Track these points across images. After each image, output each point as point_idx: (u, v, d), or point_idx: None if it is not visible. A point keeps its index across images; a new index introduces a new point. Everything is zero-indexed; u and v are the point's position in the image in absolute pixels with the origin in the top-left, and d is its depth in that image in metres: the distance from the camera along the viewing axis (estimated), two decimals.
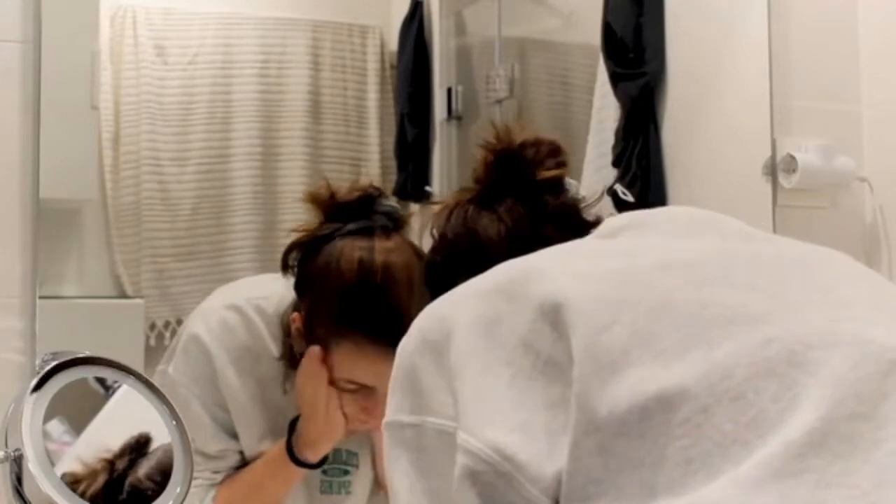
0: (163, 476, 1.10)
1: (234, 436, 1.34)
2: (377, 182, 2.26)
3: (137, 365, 1.34)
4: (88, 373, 1.11)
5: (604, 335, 0.70)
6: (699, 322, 0.71)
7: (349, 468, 1.39)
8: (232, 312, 1.36)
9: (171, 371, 1.36)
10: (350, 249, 1.25)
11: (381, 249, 1.26)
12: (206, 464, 1.33)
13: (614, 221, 0.91)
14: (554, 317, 0.73)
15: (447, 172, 2.26)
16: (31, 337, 1.57)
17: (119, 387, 1.14)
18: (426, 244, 1.95)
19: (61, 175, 1.76)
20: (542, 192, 0.97)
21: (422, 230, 2.25)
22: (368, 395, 1.26)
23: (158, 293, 1.42)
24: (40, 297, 1.59)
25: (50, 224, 1.65)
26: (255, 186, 2.08)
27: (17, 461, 1.00)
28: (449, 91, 2.27)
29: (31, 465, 0.99)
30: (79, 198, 1.93)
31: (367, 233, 1.28)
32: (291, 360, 1.33)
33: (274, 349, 1.35)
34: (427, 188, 2.27)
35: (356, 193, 1.31)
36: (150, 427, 1.14)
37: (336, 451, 1.37)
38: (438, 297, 0.86)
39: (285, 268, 1.32)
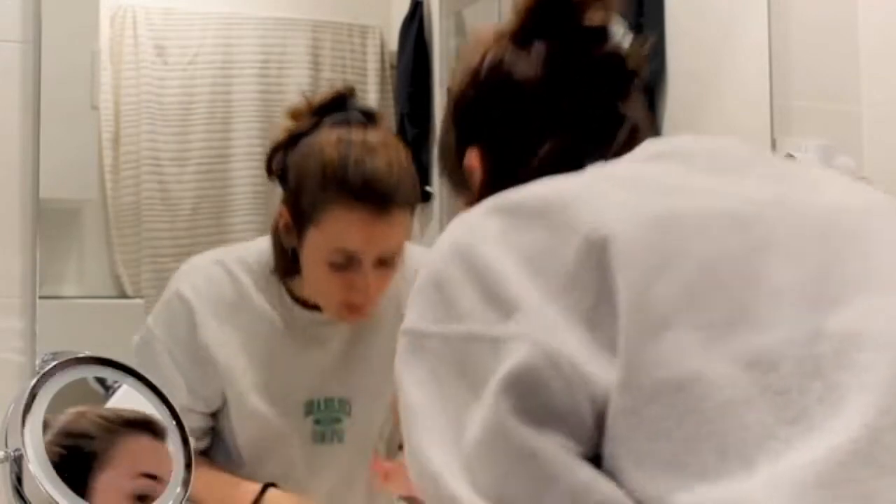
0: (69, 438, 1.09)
1: (202, 397, 1.35)
2: None
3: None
4: (88, 373, 1.11)
5: (652, 290, 0.66)
6: (749, 296, 0.67)
7: (341, 416, 1.39)
8: (216, 267, 1.37)
9: (150, 322, 1.37)
10: (328, 133, 1.29)
11: (359, 131, 1.29)
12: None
13: (656, 145, 0.82)
14: (600, 255, 0.68)
15: None
16: (31, 337, 1.57)
17: (119, 387, 1.14)
18: (428, 243, 1.96)
19: (61, 175, 1.76)
20: (585, 39, 0.87)
21: (422, 230, 2.25)
22: (355, 272, 1.27)
23: (158, 293, 1.42)
24: (40, 297, 1.59)
25: (50, 224, 1.65)
26: (255, 186, 2.08)
27: (17, 461, 1.00)
28: (449, 91, 2.27)
29: (31, 465, 0.99)
30: (79, 198, 1.93)
31: (345, 123, 1.30)
32: (285, 269, 1.35)
33: (260, 301, 1.36)
34: (427, 188, 2.27)
35: (330, 94, 1.34)
36: None
37: (328, 400, 1.38)
38: (462, 143, 0.80)
39: (269, 171, 1.33)
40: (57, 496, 0.99)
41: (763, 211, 0.72)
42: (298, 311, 1.37)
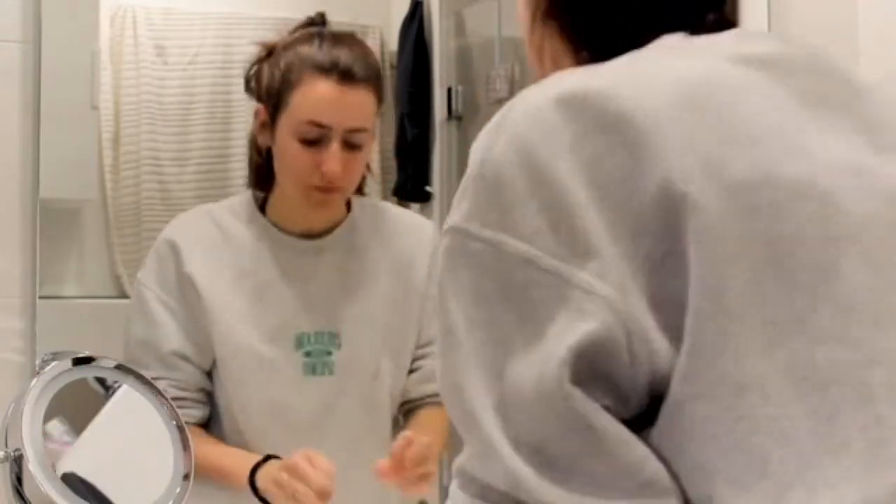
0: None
1: (193, 341, 1.39)
2: (377, 182, 2.26)
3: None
4: (88, 373, 1.11)
5: (726, 273, 0.60)
6: (818, 298, 0.61)
7: (331, 349, 1.42)
8: (201, 214, 1.47)
9: (140, 275, 1.44)
10: (301, 35, 1.42)
11: (331, 34, 1.43)
12: (167, 372, 1.37)
13: (752, 44, 0.73)
14: (677, 215, 0.61)
15: (447, 172, 2.26)
16: (31, 337, 1.57)
17: (119, 387, 1.14)
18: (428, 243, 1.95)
19: (61, 175, 1.76)
20: None
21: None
22: (325, 148, 1.36)
23: None
24: (40, 297, 1.58)
25: (50, 224, 1.65)
26: None
27: (17, 461, 1.00)
28: (449, 91, 2.27)
29: (31, 465, 0.99)
30: (79, 198, 1.93)
31: (318, 34, 1.43)
32: (260, 179, 1.44)
33: (245, 237, 1.43)
34: (427, 188, 2.27)
35: (304, 20, 1.48)
36: (149, 427, 1.14)
37: (318, 334, 1.42)
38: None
39: (248, 88, 1.46)
40: (57, 496, 0.99)
41: (847, 188, 0.65)
42: (284, 239, 1.43)
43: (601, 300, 0.61)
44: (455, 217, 0.67)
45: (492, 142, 0.67)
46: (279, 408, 1.40)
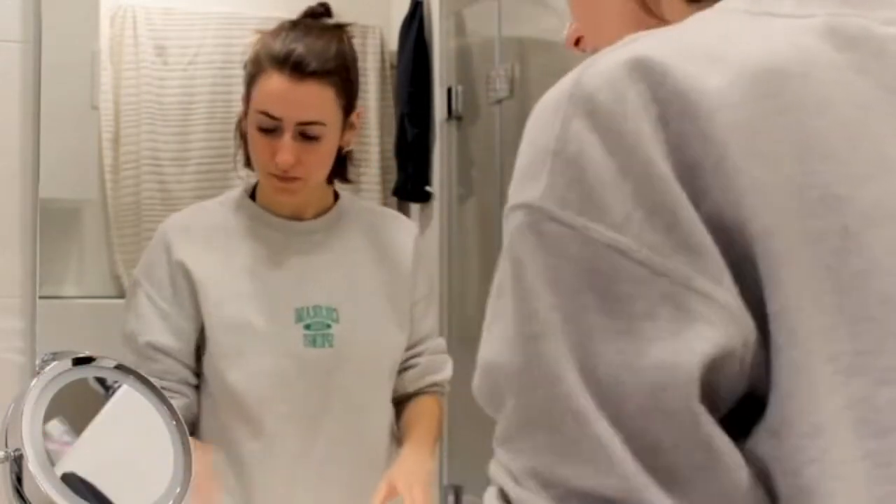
0: None
1: (176, 334, 1.42)
2: (377, 181, 2.27)
3: None
4: (88, 373, 1.11)
5: (795, 304, 0.55)
6: (882, 338, 0.56)
7: (330, 322, 1.46)
8: (194, 209, 1.51)
9: (136, 271, 1.47)
10: (278, 26, 1.45)
11: (309, 19, 1.48)
12: (143, 363, 1.39)
13: (840, 14, 0.63)
14: (750, 247, 0.55)
15: (447, 172, 2.26)
16: (31, 337, 1.57)
17: (119, 387, 1.14)
18: (427, 243, 1.95)
19: (61, 175, 1.76)
20: None
21: (422, 230, 2.25)
22: (279, 138, 1.40)
23: None
24: (40, 297, 1.59)
25: (50, 224, 1.65)
26: None
27: (17, 461, 1.00)
28: (449, 91, 2.27)
29: (31, 465, 0.99)
30: (79, 198, 1.93)
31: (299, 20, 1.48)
32: (248, 161, 1.48)
33: (236, 222, 1.47)
34: (427, 188, 2.27)
35: (306, 11, 1.51)
36: (149, 427, 1.14)
37: (316, 308, 1.46)
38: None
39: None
40: (57, 496, 0.99)
41: None
42: (274, 221, 1.48)
43: (719, 306, 0.54)
44: (528, 194, 0.58)
45: (567, 116, 0.58)
46: (280, 379, 1.43)
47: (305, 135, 1.40)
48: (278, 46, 1.40)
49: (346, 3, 2.30)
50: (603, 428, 0.54)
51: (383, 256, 1.52)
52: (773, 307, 0.55)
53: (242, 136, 1.48)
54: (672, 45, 0.59)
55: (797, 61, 0.59)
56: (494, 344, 0.60)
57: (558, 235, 0.57)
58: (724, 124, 0.56)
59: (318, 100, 1.40)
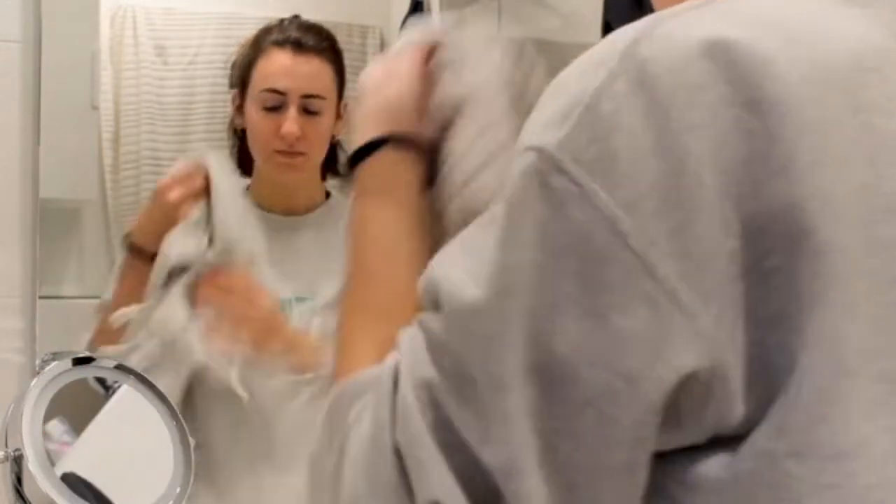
0: None
1: None
2: None
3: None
4: (88, 373, 1.11)
5: (845, 319, 0.51)
6: None
7: (315, 315, 1.50)
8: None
9: None
10: (268, 26, 1.57)
11: (295, 21, 1.56)
12: None
13: None
14: (796, 244, 0.51)
15: None
16: (31, 337, 1.57)
17: (119, 387, 1.14)
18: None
19: (61, 175, 1.76)
20: None
21: None
22: (283, 114, 1.49)
23: None
24: (40, 297, 1.59)
25: (50, 224, 1.65)
26: None
27: (17, 461, 1.00)
28: None
29: (31, 465, 0.99)
30: (79, 198, 1.93)
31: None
32: (241, 160, 1.56)
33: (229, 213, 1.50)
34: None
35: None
36: (149, 427, 1.14)
37: (299, 299, 1.50)
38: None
39: (231, 84, 1.60)
40: (57, 496, 0.99)
41: None
42: (265, 216, 1.54)
43: (696, 330, 0.51)
44: (545, 138, 0.54)
45: (613, 73, 0.53)
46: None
47: (308, 109, 1.50)
48: (277, 32, 1.52)
49: (346, 3, 2.31)
50: (515, 405, 0.52)
51: None
52: (812, 314, 0.50)
53: (235, 135, 1.56)
54: (748, 21, 0.54)
55: (872, 55, 0.55)
56: (457, 273, 0.57)
57: (563, 190, 0.52)
58: (796, 124, 0.51)
59: (319, 73, 1.51)
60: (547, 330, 0.52)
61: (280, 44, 1.51)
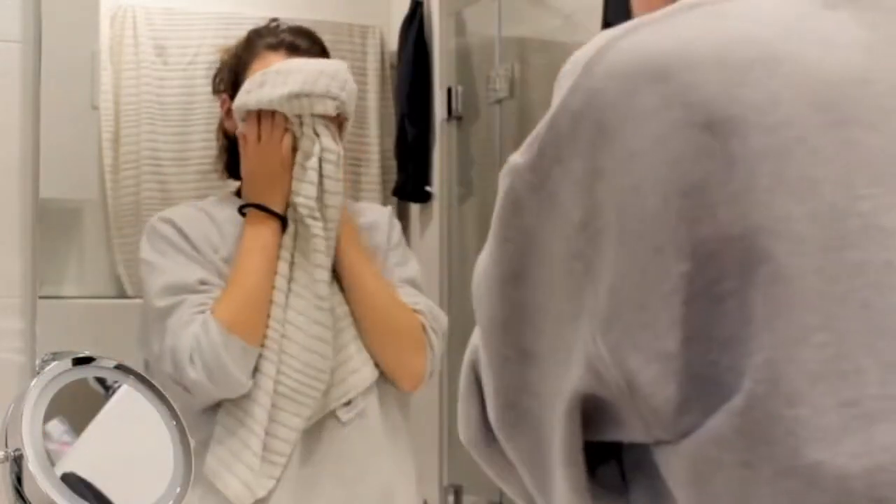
0: None
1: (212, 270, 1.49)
2: (377, 182, 2.26)
3: (137, 365, 1.35)
4: (88, 373, 1.11)
5: (798, 347, 0.49)
6: None
7: None
8: (188, 204, 1.59)
9: (142, 255, 1.49)
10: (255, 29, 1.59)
11: (284, 25, 1.58)
12: (207, 296, 1.45)
13: None
14: (750, 271, 0.49)
15: (447, 172, 2.26)
16: (31, 337, 1.57)
17: (119, 387, 1.14)
18: (428, 243, 1.96)
19: (61, 175, 1.76)
20: None
21: (422, 230, 2.25)
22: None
23: None
24: (40, 297, 1.59)
25: (50, 224, 1.65)
26: None
27: (17, 461, 1.00)
28: (449, 91, 2.27)
29: (31, 465, 0.99)
30: (79, 198, 1.93)
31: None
32: (230, 164, 1.57)
33: (220, 215, 1.52)
34: (427, 188, 2.27)
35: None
36: (149, 427, 1.14)
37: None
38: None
39: (214, 90, 1.59)
40: (57, 496, 0.99)
41: None
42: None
43: (588, 360, 0.53)
44: (518, 158, 0.58)
45: (573, 88, 0.55)
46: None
47: None
48: (269, 36, 1.54)
49: (346, 3, 2.31)
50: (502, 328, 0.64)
51: (363, 238, 1.58)
52: (759, 354, 0.49)
53: (226, 138, 1.56)
54: (718, 36, 0.52)
55: (857, 64, 0.52)
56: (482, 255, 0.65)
57: (552, 188, 0.55)
58: (757, 147, 0.50)
59: None
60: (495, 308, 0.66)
61: (274, 47, 1.53)
